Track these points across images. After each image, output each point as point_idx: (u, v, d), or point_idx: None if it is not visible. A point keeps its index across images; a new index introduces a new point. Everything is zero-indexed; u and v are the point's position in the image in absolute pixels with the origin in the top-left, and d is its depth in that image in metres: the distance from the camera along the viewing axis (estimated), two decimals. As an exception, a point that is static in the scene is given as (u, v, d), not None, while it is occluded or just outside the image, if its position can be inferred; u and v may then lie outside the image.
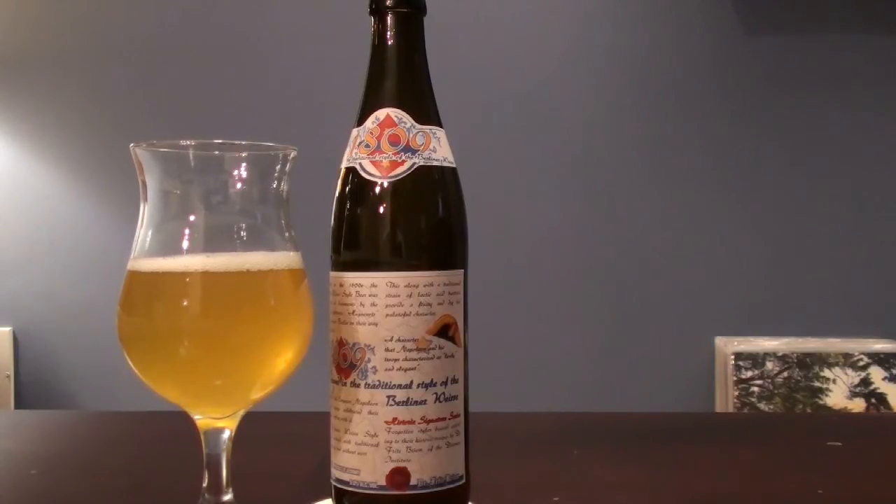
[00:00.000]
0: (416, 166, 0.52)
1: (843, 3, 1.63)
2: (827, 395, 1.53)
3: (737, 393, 1.54)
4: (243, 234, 0.50)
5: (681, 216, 1.66)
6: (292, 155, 0.52)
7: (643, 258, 1.66)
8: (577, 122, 1.66)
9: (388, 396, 0.50)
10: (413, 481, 0.50)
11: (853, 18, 1.63)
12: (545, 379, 1.66)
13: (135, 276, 0.50)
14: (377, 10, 0.54)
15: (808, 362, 1.54)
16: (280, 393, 0.52)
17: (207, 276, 0.48)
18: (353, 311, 0.51)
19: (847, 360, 1.54)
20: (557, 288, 1.67)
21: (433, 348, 0.51)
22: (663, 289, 1.66)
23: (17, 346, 1.71)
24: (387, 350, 0.50)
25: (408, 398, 0.50)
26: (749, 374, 1.55)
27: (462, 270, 0.53)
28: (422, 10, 0.54)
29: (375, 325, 0.50)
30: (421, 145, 0.52)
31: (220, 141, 0.50)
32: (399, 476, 0.50)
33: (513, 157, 1.67)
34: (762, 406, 1.54)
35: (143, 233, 0.50)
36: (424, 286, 0.51)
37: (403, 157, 0.52)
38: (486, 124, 1.65)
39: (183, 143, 0.49)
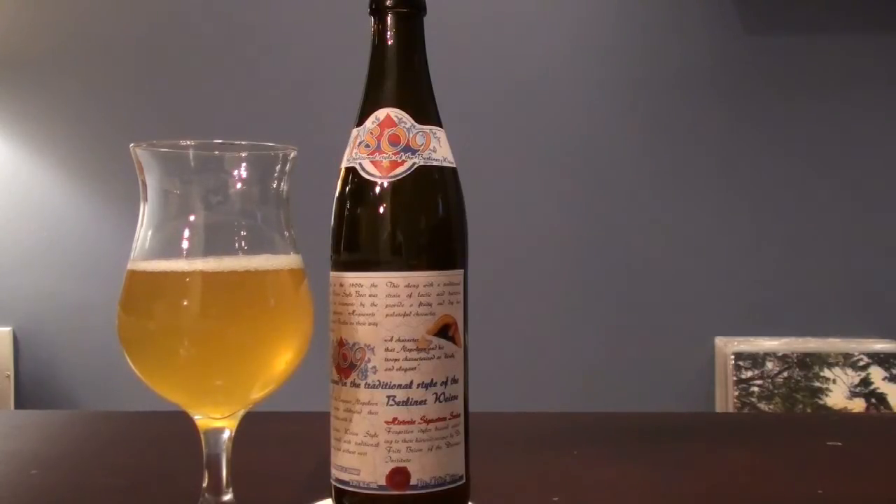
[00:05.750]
0: (416, 166, 0.52)
1: (843, 3, 1.63)
2: (827, 395, 1.53)
3: (737, 393, 1.54)
4: (243, 234, 0.50)
5: (681, 216, 1.66)
6: (292, 155, 0.52)
7: (643, 258, 1.66)
8: (577, 122, 1.66)
9: (388, 396, 0.50)
10: (413, 481, 0.50)
11: (853, 18, 1.63)
12: (545, 379, 1.66)
13: (135, 275, 0.50)
14: (377, 10, 0.54)
15: (808, 362, 1.54)
16: (280, 393, 0.52)
17: (207, 276, 0.48)
18: (353, 311, 0.51)
19: (847, 360, 1.54)
20: (557, 288, 1.67)
21: (433, 348, 0.51)
22: (663, 289, 1.66)
23: (17, 346, 1.71)
24: (387, 350, 0.50)
25: (408, 398, 0.50)
26: (749, 374, 1.54)
27: (462, 270, 0.53)
28: (422, 9, 0.54)
29: (375, 325, 0.50)
30: (421, 145, 0.52)
31: (220, 141, 0.50)
32: (399, 476, 0.50)
33: (513, 157, 1.67)
34: (762, 406, 1.54)
35: (143, 233, 0.50)
36: (424, 286, 0.51)
37: (403, 157, 0.52)
38: (486, 124, 1.65)
39: (183, 143, 0.49)
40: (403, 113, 0.52)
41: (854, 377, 1.53)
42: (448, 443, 0.51)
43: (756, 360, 1.55)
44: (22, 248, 1.71)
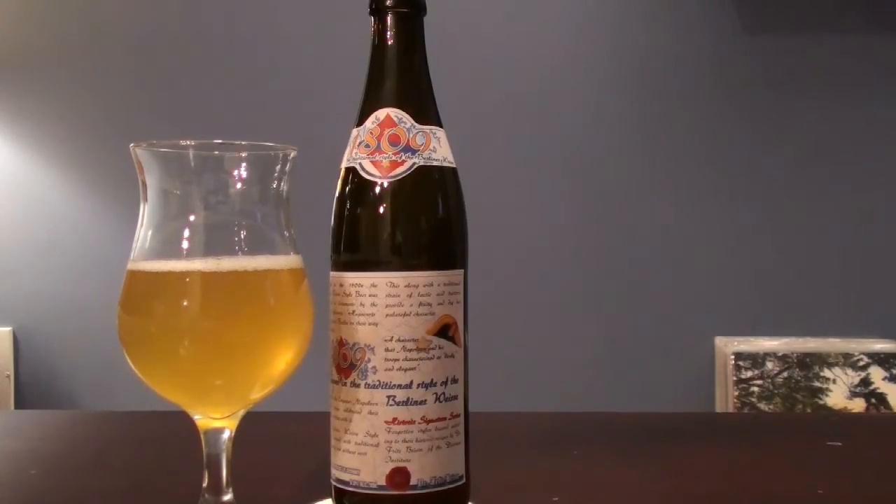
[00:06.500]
0: (416, 166, 0.52)
1: (843, 2, 1.63)
2: (827, 395, 1.53)
3: (737, 393, 1.54)
4: (243, 234, 0.50)
5: (681, 216, 1.66)
6: (292, 155, 0.52)
7: (643, 258, 1.66)
8: (577, 122, 1.66)
9: (388, 396, 0.50)
10: (413, 481, 0.50)
11: (853, 18, 1.63)
12: (545, 379, 1.66)
13: (135, 275, 0.50)
14: (377, 10, 0.54)
15: (808, 362, 1.54)
16: (280, 393, 0.52)
17: (207, 276, 0.48)
18: (353, 311, 0.51)
19: (847, 360, 1.54)
20: (557, 288, 1.67)
21: (433, 348, 0.51)
22: (663, 289, 1.66)
23: (17, 346, 1.71)
24: (387, 350, 0.50)
25: (408, 398, 0.50)
26: (749, 374, 1.54)
27: (462, 270, 0.53)
28: (422, 9, 0.54)
29: (375, 325, 0.50)
30: (421, 145, 0.52)
31: (220, 141, 0.50)
32: (399, 476, 0.50)
33: (513, 157, 1.67)
34: (762, 406, 1.54)
35: (143, 233, 0.50)
36: (424, 286, 0.51)
37: (403, 157, 0.52)
38: (486, 124, 1.65)
39: (183, 143, 0.49)
40: (403, 113, 0.52)
41: (854, 377, 1.53)
42: (448, 443, 0.51)
43: (756, 360, 1.55)
44: (22, 248, 1.71)
